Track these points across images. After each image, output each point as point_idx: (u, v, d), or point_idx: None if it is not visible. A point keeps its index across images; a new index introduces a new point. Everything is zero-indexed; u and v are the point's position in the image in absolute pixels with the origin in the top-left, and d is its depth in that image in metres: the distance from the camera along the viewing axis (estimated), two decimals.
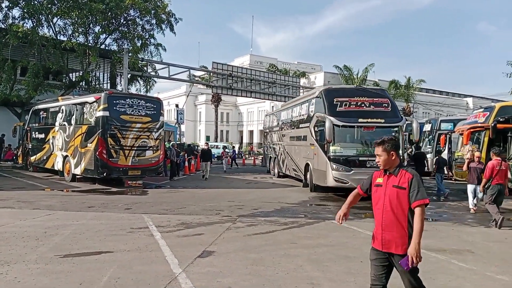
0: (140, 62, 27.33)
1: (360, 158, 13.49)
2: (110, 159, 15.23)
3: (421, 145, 23.57)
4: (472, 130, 15.65)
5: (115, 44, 26.42)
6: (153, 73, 30.77)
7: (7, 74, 23.62)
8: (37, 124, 21.58)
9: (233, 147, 41.33)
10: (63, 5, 23.34)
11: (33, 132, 21.68)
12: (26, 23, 24.12)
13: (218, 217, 9.75)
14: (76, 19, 23.69)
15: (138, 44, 25.29)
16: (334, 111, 13.77)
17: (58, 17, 24.48)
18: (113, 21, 24.95)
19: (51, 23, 24.91)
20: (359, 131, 13.65)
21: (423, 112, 56.01)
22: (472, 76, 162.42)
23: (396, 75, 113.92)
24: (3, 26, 23.70)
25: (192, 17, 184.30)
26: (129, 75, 27.27)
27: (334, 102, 13.99)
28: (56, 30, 25.32)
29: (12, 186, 15.30)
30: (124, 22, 25.37)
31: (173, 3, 41.76)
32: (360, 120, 13.52)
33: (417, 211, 3.24)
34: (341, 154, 13.59)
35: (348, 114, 13.76)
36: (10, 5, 23.50)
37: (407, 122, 14.51)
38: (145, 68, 29.79)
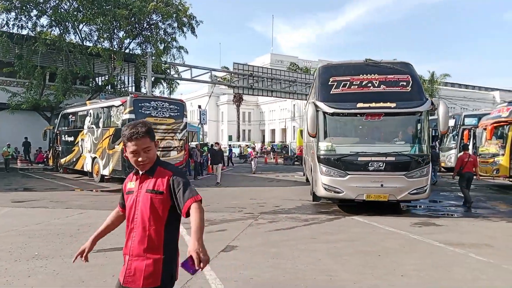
0: (163, 65, 28.00)
1: (360, 159, 9.82)
2: None
3: (445, 140, 23.27)
4: (495, 124, 15.46)
5: (139, 48, 27.14)
6: (176, 75, 31.46)
7: (37, 80, 24.71)
8: (66, 128, 22.44)
9: (230, 145, 41.59)
10: (88, 12, 24.16)
11: (63, 135, 22.54)
12: (54, 31, 25.13)
13: (240, 214, 10.07)
14: (101, 25, 24.49)
15: (161, 48, 25.89)
16: (326, 94, 10.37)
17: (84, 23, 25.34)
18: (137, 26, 25.61)
19: (77, 29, 25.78)
20: (360, 121, 10.29)
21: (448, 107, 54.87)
22: (499, 68, 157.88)
23: (420, 70, 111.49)
24: (32, 34, 24.67)
25: (212, 19, 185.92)
26: (153, 78, 28.00)
27: (330, 83, 10.53)
28: (82, 36, 26.21)
29: (45, 187, 16.02)
30: (147, 26, 25.99)
31: (194, 6, 42.33)
32: (360, 105, 9.87)
33: (193, 206, 2.33)
34: (334, 153, 10.13)
35: (345, 97, 10.23)
36: (39, 14, 24.45)
37: (432, 106, 10.05)
38: (168, 71, 30.45)
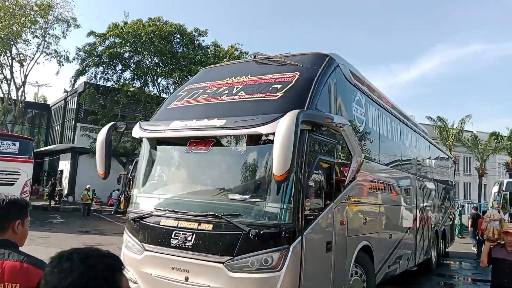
0: None
1: (163, 222, 5.23)
2: None
3: (489, 206, 23.63)
4: None
5: None
6: None
7: None
8: None
9: None
10: (166, 67, 26.17)
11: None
12: (135, 83, 27.34)
13: None
14: (177, 79, 26.31)
15: None
16: (161, 110, 6.60)
17: (162, 77, 27.38)
18: None
19: (156, 82, 27.90)
20: (181, 153, 5.88)
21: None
22: None
23: (498, 125, 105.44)
24: (116, 86, 27.04)
25: None
26: None
27: (180, 93, 6.57)
28: (160, 88, 28.29)
29: (114, 231, 16.77)
30: None
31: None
32: (174, 124, 5.41)
33: None
34: (137, 208, 5.86)
35: (174, 113, 5.95)
36: (123, 68, 26.89)
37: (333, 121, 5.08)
38: None
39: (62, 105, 36.42)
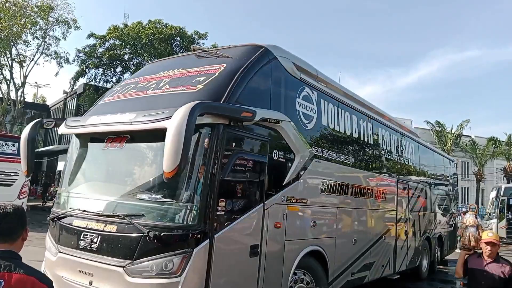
0: None
1: (75, 223, 4.92)
2: None
3: (489, 211, 24.16)
4: None
5: None
6: None
7: None
8: None
9: None
10: None
11: None
12: None
13: None
14: None
15: None
16: (95, 106, 6.16)
17: None
18: None
19: None
20: (99, 150, 5.48)
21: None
22: None
23: (495, 130, 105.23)
24: None
25: None
26: None
27: (118, 87, 6.36)
28: None
29: None
30: None
31: None
32: (91, 120, 5.19)
33: None
34: (57, 206, 5.60)
35: (101, 109, 5.79)
36: (123, 70, 26.95)
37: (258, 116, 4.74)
38: None
39: (62, 106, 36.52)
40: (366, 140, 8.00)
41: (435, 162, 12.65)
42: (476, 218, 7.40)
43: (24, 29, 25.97)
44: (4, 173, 14.13)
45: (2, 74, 27.36)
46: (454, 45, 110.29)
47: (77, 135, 5.65)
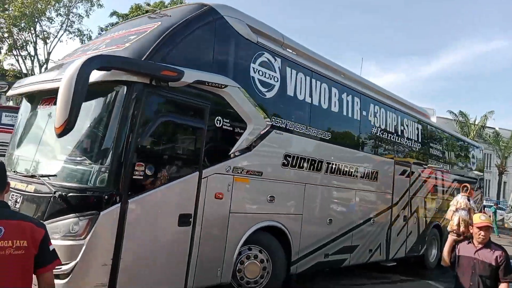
0: None
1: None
2: None
3: (510, 203, 24.00)
4: None
5: None
6: None
7: None
8: None
9: None
10: None
11: None
12: None
13: None
14: None
15: None
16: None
17: None
18: None
19: None
20: (36, 111, 5.31)
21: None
22: None
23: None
24: None
25: None
26: None
27: (74, 50, 6.28)
28: None
29: None
30: None
31: None
32: (30, 79, 5.62)
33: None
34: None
35: (49, 70, 6.46)
36: None
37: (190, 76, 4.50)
38: None
39: None
40: (350, 115, 7.35)
41: (452, 146, 11.61)
42: (468, 200, 6.34)
43: (48, 6, 26.12)
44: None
45: (27, 50, 27.70)
46: (481, 36, 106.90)
47: (26, 97, 5.49)
